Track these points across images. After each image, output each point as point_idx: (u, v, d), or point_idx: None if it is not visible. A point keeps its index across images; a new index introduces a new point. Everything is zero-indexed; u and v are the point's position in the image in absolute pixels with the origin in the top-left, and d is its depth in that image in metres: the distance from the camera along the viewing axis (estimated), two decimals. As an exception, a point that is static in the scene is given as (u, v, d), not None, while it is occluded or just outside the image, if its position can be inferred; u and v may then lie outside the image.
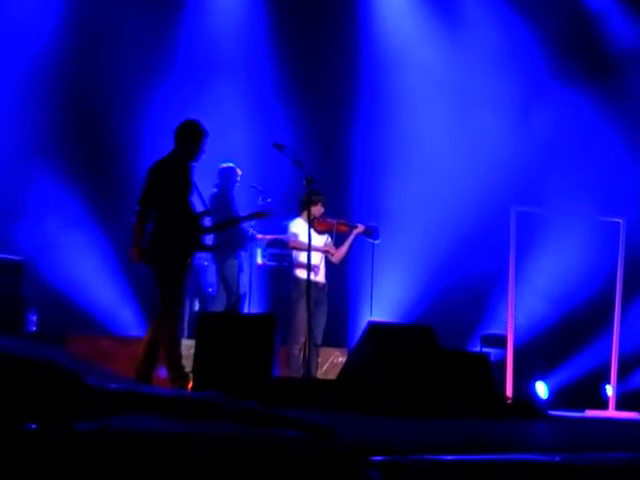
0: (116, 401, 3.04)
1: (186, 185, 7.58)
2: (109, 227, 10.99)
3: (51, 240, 10.85)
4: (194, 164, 7.70)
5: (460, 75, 12.34)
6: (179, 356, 7.47)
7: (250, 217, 9.01)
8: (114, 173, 11.08)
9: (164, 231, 7.48)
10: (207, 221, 9.73)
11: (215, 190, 10.07)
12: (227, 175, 10.10)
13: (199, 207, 8.08)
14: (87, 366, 3.15)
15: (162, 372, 7.66)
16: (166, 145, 7.81)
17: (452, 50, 12.51)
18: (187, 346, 8.20)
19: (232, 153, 10.54)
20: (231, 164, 10.16)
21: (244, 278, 10.22)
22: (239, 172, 10.16)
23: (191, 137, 7.66)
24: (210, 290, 10.60)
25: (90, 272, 11.00)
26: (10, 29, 11.13)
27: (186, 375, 7.37)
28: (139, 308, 10.81)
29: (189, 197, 7.62)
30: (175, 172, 7.54)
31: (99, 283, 11.03)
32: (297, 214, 9.51)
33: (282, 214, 9.73)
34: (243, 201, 10.26)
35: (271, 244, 10.60)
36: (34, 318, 10.01)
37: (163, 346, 7.39)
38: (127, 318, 10.95)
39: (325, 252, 9.54)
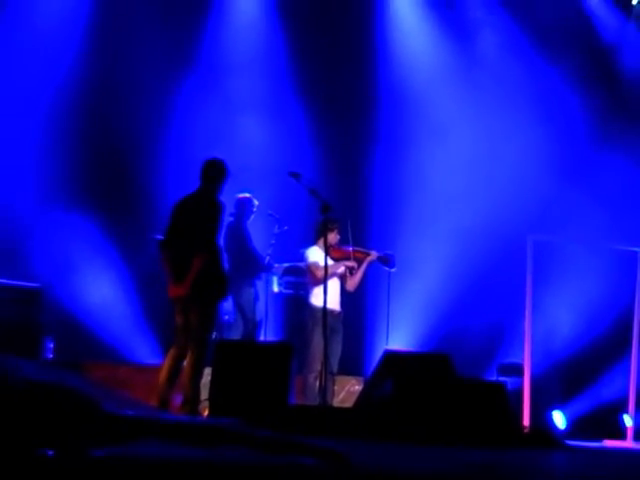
0: (133, 428, 3.04)
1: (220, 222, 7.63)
2: (127, 254, 11.02)
3: (69, 267, 10.88)
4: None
5: (478, 104, 12.31)
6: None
7: None
8: (133, 200, 11.13)
9: (211, 269, 7.49)
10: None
11: (231, 219, 10.09)
12: (243, 205, 10.10)
13: None
14: (105, 392, 3.16)
15: (178, 399, 7.65)
16: (187, 179, 7.82)
17: (471, 79, 12.51)
18: (204, 374, 8.18)
19: (249, 180, 10.56)
20: (248, 194, 10.14)
21: (260, 306, 10.22)
22: (256, 203, 10.15)
23: (218, 175, 7.71)
24: (227, 318, 10.59)
25: (107, 300, 11.01)
26: (33, 57, 11.18)
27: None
28: (155, 336, 10.81)
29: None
30: (214, 209, 7.56)
31: (116, 311, 11.04)
32: (313, 242, 9.51)
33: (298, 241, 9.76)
34: (260, 229, 10.27)
35: (287, 272, 10.59)
36: (51, 345, 10.03)
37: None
38: (143, 346, 10.95)
39: (349, 267, 9.51)
